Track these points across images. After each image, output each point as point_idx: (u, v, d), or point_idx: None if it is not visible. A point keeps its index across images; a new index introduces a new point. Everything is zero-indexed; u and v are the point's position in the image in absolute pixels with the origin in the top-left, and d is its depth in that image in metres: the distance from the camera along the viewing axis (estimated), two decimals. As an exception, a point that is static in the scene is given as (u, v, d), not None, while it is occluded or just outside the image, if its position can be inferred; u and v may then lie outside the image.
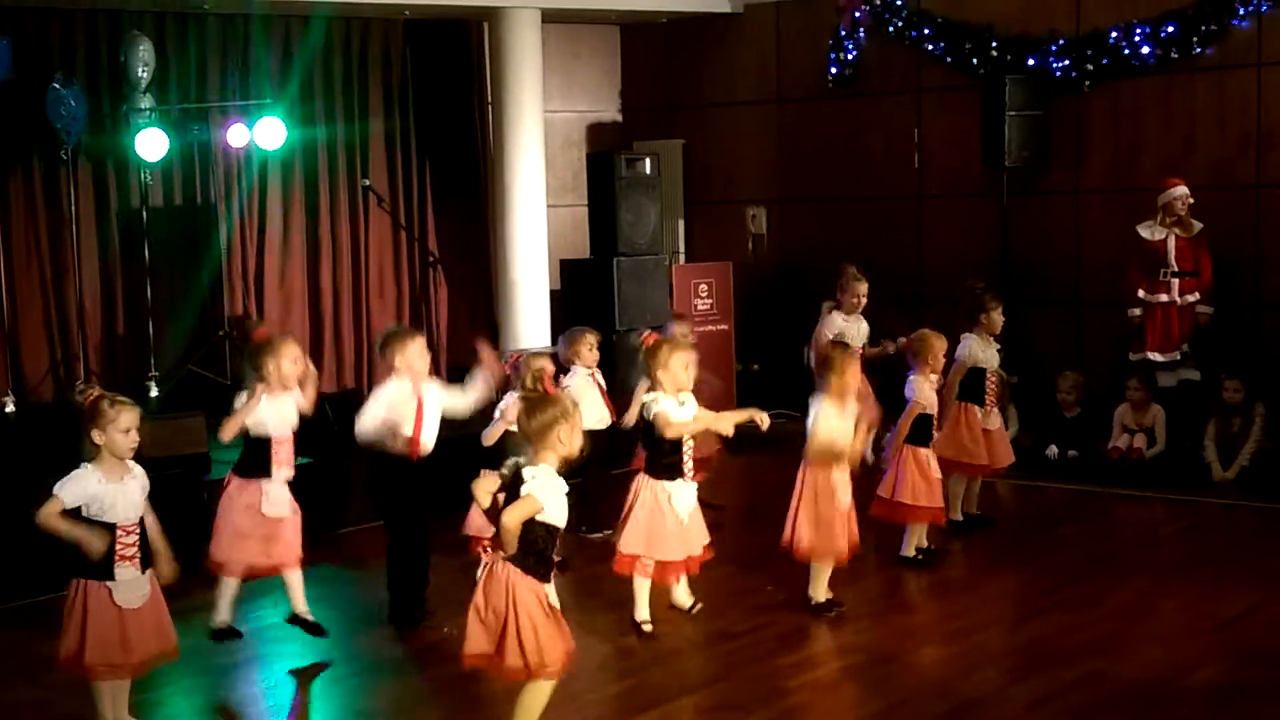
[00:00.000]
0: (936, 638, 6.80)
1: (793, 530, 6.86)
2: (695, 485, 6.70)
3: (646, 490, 6.56)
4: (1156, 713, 5.74)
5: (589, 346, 8.28)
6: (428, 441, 6.70)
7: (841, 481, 6.83)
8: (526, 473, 5.03)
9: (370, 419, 6.63)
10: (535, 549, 5.05)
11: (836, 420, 6.83)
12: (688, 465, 6.60)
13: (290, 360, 6.36)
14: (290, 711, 6.10)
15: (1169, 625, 6.81)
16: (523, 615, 5.01)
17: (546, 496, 5.01)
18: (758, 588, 7.31)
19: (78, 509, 5.33)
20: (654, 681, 6.14)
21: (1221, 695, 5.91)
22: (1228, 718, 5.73)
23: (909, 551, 7.81)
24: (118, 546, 5.34)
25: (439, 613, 6.85)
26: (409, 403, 6.64)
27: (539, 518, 5.02)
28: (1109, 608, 7.04)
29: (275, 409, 6.41)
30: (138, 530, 5.41)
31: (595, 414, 8.00)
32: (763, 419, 6.64)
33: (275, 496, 6.40)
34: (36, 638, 6.20)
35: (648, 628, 6.64)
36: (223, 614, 6.56)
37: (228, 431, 6.42)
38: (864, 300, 9.55)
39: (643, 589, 6.63)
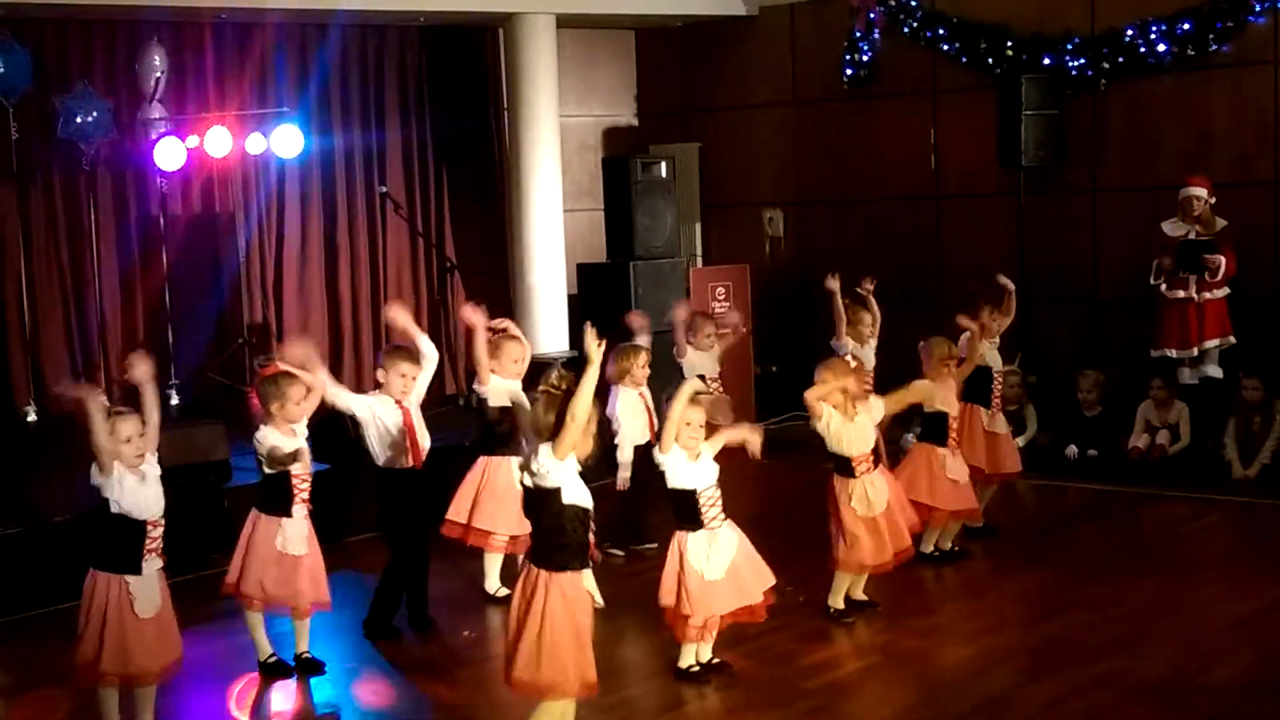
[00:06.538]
0: (956, 638, 6.79)
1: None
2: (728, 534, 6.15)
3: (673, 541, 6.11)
4: (1176, 711, 5.73)
5: (640, 365, 8.01)
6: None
7: (871, 487, 6.80)
8: (543, 450, 4.89)
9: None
10: (566, 538, 4.93)
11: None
12: (708, 514, 6.08)
13: (294, 403, 6.32)
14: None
15: (1189, 623, 6.79)
16: (547, 627, 4.86)
17: (564, 477, 4.90)
18: (778, 589, 7.28)
19: (105, 505, 5.44)
20: (673, 683, 6.14)
21: (1241, 692, 5.89)
22: (1248, 715, 5.71)
23: (926, 547, 7.81)
24: (147, 541, 5.50)
25: (449, 616, 6.95)
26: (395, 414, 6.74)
27: (565, 500, 4.90)
28: (1128, 606, 7.03)
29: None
30: (163, 524, 5.55)
31: (640, 431, 7.97)
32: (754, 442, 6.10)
33: (293, 534, 6.32)
34: (67, 644, 6.23)
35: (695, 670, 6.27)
36: (264, 648, 6.48)
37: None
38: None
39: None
